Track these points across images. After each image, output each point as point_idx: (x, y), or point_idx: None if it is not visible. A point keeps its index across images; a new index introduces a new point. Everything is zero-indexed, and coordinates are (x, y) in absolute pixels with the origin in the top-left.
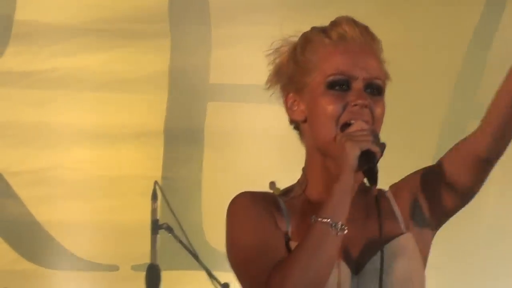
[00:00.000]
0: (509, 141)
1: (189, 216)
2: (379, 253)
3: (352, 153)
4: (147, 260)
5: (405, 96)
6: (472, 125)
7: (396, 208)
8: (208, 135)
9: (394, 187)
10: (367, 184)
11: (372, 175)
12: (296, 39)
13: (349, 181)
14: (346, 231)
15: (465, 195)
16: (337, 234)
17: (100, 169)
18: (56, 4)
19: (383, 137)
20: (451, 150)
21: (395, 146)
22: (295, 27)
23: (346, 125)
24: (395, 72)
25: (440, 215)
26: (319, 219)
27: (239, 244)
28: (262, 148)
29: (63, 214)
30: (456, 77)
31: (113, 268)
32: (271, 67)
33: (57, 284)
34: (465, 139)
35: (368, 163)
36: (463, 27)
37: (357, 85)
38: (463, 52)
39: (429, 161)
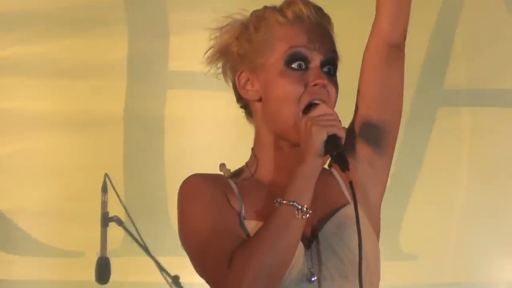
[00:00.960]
0: (408, 15)
1: (153, 203)
2: (331, 221)
3: (319, 138)
4: (113, 245)
5: None
6: (440, 112)
7: (341, 182)
8: (168, 122)
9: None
10: (342, 171)
11: (343, 161)
12: (240, 17)
13: (314, 165)
14: (309, 214)
15: (395, 114)
16: (302, 217)
17: (59, 157)
18: None
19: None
20: (361, 74)
21: None
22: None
23: (309, 106)
24: (356, 59)
25: (384, 156)
26: (285, 202)
27: (194, 227)
28: (221, 134)
29: (24, 201)
30: (422, 65)
31: (78, 254)
32: (213, 43)
33: (19, 269)
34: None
35: (336, 148)
36: (426, 13)
37: (315, 64)
38: (427, 40)
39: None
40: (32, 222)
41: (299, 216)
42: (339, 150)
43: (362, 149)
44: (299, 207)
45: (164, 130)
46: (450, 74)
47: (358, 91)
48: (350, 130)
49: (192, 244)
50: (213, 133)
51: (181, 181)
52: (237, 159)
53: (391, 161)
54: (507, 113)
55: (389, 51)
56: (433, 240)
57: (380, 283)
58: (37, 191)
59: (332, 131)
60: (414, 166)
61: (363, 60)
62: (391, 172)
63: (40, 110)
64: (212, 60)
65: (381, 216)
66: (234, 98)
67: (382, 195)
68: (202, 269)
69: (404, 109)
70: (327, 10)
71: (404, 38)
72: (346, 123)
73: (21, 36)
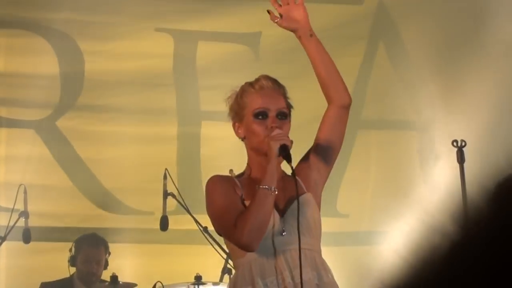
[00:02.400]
0: (343, 85)
1: (193, 186)
2: (295, 203)
3: (275, 147)
4: (170, 209)
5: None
6: (359, 132)
7: (299, 180)
8: (203, 140)
9: (297, 166)
10: (287, 163)
11: (288, 158)
12: (238, 89)
13: (275, 163)
14: (276, 192)
15: (338, 148)
16: (272, 194)
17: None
18: None
19: (299, 142)
20: (321, 122)
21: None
22: None
23: None
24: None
25: (327, 170)
26: (261, 187)
27: (214, 205)
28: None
29: (122, 183)
30: None
31: (150, 213)
32: (226, 103)
33: (115, 222)
34: (326, 110)
35: (285, 151)
36: (351, 68)
37: (272, 114)
38: (352, 86)
39: None
40: (126, 195)
41: (270, 194)
42: (286, 152)
43: (316, 162)
44: (270, 188)
45: (200, 145)
46: (365, 109)
47: (318, 135)
48: (310, 151)
49: (213, 214)
50: (229, 151)
51: (208, 177)
52: (242, 164)
53: (331, 168)
54: (399, 134)
55: (341, 111)
56: (356, 205)
57: (323, 231)
58: (130, 178)
59: (282, 141)
60: (343, 162)
61: (322, 120)
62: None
63: None
64: (230, 117)
65: (326, 191)
66: None
67: (323, 187)
68: (218, 228)
69: None
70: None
71: (350, 100)
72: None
73: None
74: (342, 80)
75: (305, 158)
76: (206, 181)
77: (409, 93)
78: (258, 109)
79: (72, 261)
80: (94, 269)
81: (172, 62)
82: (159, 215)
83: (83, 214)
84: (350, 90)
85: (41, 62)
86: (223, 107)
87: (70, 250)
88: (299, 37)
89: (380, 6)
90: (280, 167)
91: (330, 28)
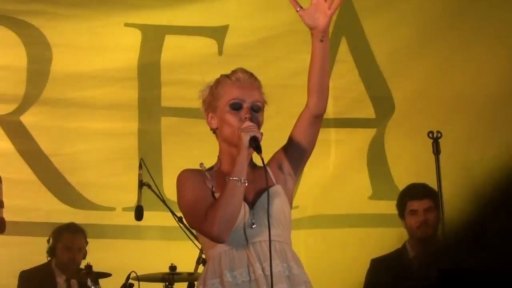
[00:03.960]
0: (327, 95)
1: (162, 176)
2: (264, 194)
3: (245, 138)
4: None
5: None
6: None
7: (270, 172)
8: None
9: (269, 160)
10: (257, 153)
11: (258, 149)
12: (212, 82)
13: (245, 154)
14: (246, 184)
15: (309, 151)
16: (241, 185)
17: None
18: None
19: (275, 135)
20: (297, 119)
21: (277, 139)
22: None
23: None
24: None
25: (297, 169)
26: (231, 178)
27: (185, 197)
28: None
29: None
30: None
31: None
32: (199, 96)
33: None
34: (305, 107)
35: (255, 142)
36: None
37: (246, 105)
38: None
39: None
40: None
41: (240, 185)
42: (257, 143)
43: (286, 157)
44: (239, 179)
45: (161, 142)
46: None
47: (291, 133)
48: (283, 146)
49: (184, 207)
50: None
51: (169, 173)
52: (213, 159)
53: (302, 167)
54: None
55: (314, 119)
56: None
57: None
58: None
59: (252, 133)
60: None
61: (297, 120)
62: None
63: None
64: (203, 109)
65: None
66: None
67: (295, 184)
68: (190, 220)
69: None
70: None
71: (324, 112)
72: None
73: None
74: (328, 92)
75: (277, 152)
76: (167, 176)
77: (372, 89)
78: (233, 100)
79: (51, 252)
80: (75, 256)
81: (138, 56)
82: (120, 210)
83: (48, 209)
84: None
85: (8, 54)
86: (184, 103)
87: (48, 241)
88: (311, 35)
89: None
90: (250, 159)
91: (293, 22)
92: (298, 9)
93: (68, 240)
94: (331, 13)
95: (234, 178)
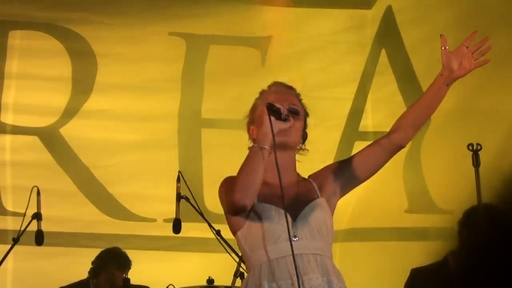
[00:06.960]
0: (418, 130)
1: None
2: (306, 207)
3: (262, 107)
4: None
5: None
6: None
7: (315, 186)
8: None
9: (314, 174)
10: (275, 118)
11: (275, 113)
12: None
13: (267, 124)
14: (267, 149)
15: (366, 179)
16: (261, 152)
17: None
18: None
19: (312, 147)
20: (370, 146)
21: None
22: None
23: (270, 107)
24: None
25: (346, 190)
26: (252, 146)
27: (224, 194)
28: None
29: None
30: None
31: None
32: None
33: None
34: (386, 137)
35: (271, 108)
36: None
37: (284, 107)
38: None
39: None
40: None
41: (260, 151)
42: (273, 109)
43: (337, 174)
44: (260, 146)
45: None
46: (362, 122)
47: (357, 157)
48: (339, 161)
49: (222, 194)
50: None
51: (219, 183)
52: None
53: (346, 190)
54: None
55: (395, 149)
56: None
57: None
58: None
59: (267, 103)
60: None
61: (370, 146)
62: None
63: None
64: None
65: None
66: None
67: (338, 200)
68: (224, 205)
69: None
70: None
71: (404, 147)
72: None
73: None
74: (419, 129)
75: (330, 166)
76: (208, 187)
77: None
78: (271, 101)
79: (93, 274)
80: (116, 286)
81: (182, 67)
82: (161, 221)
83: (89, 220)
84: (350, 98)
85: (53, 64)
86: (225, 115)
87: (93, 263)
88: (441, 75)
89: (388, 11)
90: (297, 173)
91: (336, 33)
92: (443, 47)
93: (112, 275)
94: (474, 68)
95: (255, 145)
